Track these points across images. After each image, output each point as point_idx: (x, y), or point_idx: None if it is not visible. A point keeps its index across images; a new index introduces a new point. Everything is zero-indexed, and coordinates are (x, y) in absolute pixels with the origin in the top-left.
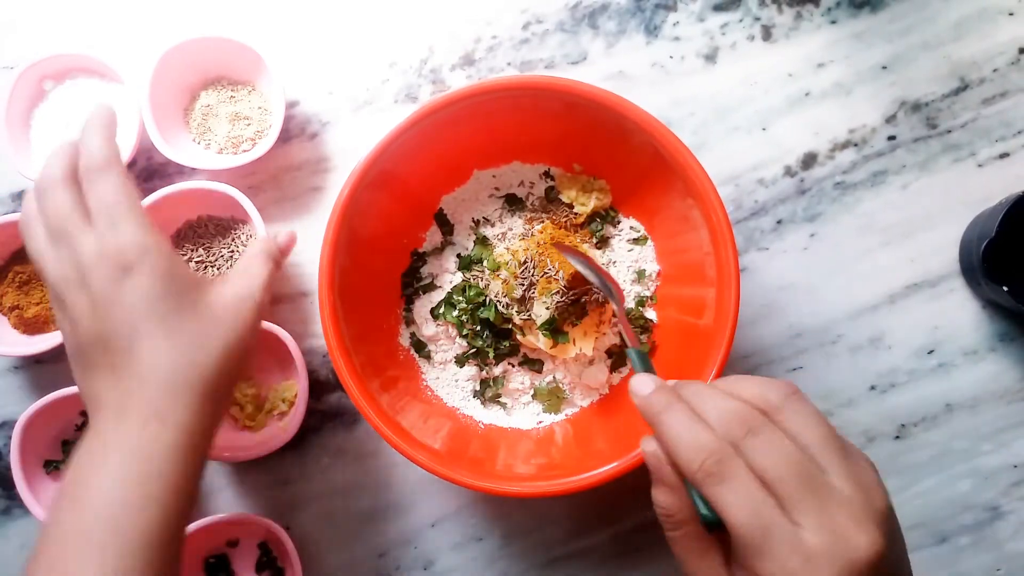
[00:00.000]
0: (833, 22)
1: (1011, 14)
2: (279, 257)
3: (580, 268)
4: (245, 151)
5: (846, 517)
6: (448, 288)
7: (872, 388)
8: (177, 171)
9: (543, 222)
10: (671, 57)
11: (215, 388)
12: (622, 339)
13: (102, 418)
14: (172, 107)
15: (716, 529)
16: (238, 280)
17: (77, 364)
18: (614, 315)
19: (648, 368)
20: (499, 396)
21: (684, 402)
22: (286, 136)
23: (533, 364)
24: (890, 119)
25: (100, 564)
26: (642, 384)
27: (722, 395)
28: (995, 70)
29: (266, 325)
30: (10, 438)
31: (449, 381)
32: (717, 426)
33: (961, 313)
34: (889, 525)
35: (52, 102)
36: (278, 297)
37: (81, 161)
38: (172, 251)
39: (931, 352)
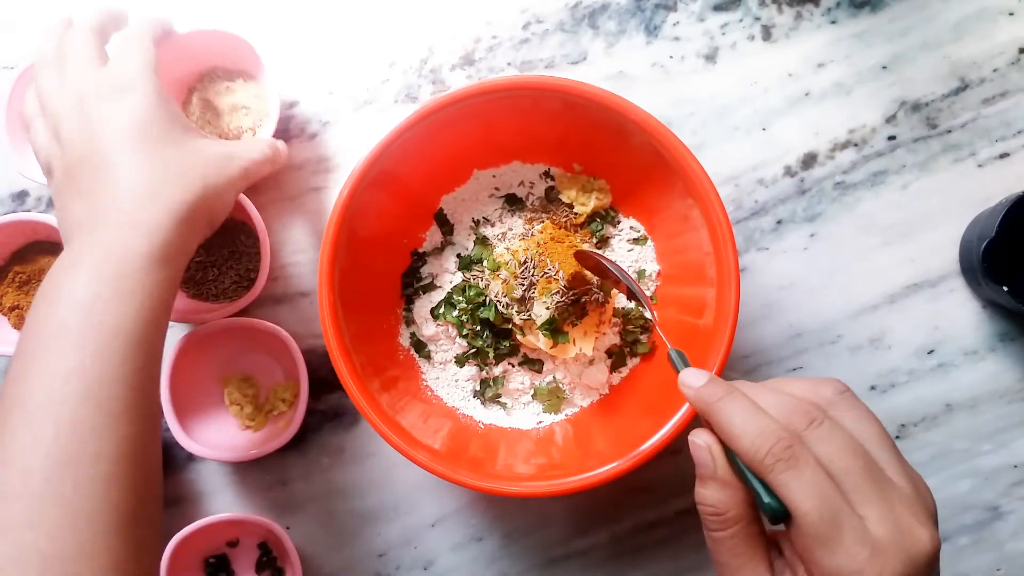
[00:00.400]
0: (833, 22)
1: (1011, 14)
2: (277, 156)
3: (618, 275)
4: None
5: (907, 512)
6: (448, 288)
7: (872, 388)
8: None
9: (543, 222)
10: (671, 57)
11: (188, 215)
12: (622, 338)
13: (77, 235)
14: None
15: (779, 520)
16: (234, 144)
17: (62, 193)
18: (615, 315)
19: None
20: (499, 396)
21: (742, 391)
22: (286, 136)
23: (533, 364)
24: (890, 119)
25: (79, 351)
26: (694, 376)
27: (775, 391)
28: (995, 70)
29: (266, 325)
30: None
31: (449, 381)
32: (778, 416)
33: (961, 313)
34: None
35: None
36: (278, 297)
37: (129, 23)
38: (169, 95)
39: (931, 352)
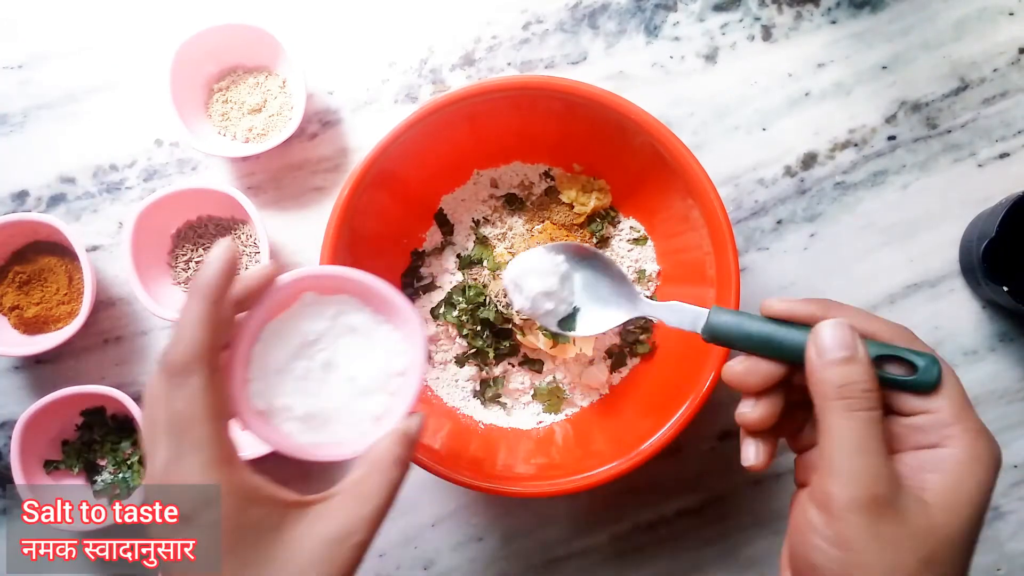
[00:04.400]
0: (833, 22)
1: (1011, 14)
2: (408, 456)
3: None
4: (262, 135)
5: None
6: (448, 288)
7: None
8: (177, 171)
9: (543, 222)
10: (671, 57)
11: None
12: (622, 339)
13: None
14: (191, 100)
15: (933, 385)
16: (342, 506)
17: None
18: None
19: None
20: (499, 396)
21: None
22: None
23: (533, 364)
24: (890, 119)
25: None
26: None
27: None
28: (995, 70)
29: None
30: (10, 438)
31: (449, 381)
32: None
33: (961, 313)
34: None
35: None
36: None
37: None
38: (245, 486)
39: None
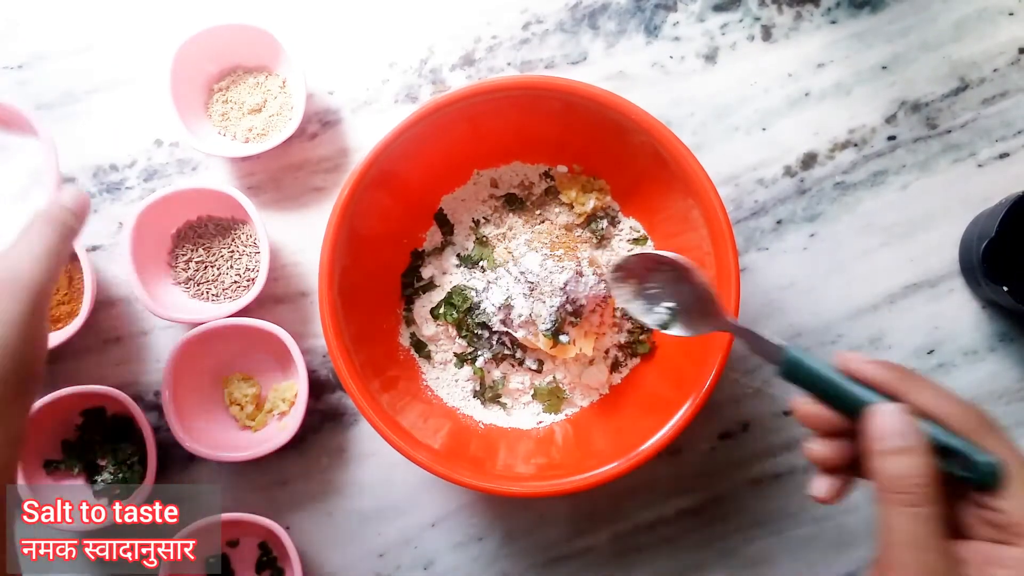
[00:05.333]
0: (833, 22)
1: (1011, 14)
2: (73, 223)
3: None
4: (262, 135)
5: None
6: (448, 288)
7: None
8: (177, 171)
9: (543, 222)
10: (671, 57)
11: None
12: (622, 339)
13: None
14: (191, 100)
15: (991, 481)
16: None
17: None
18: (615, 315)
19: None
20: (499, 396)
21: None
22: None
23: (533, 364)
24: (890, 119)
25: None
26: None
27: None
28: (995, 70)
29: (266, 325)
30: None
31: (449, 381)
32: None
33: (961, 313)
34: None
35: None
36: (278, 297)
37: None
38: None
39: (931, 352)
